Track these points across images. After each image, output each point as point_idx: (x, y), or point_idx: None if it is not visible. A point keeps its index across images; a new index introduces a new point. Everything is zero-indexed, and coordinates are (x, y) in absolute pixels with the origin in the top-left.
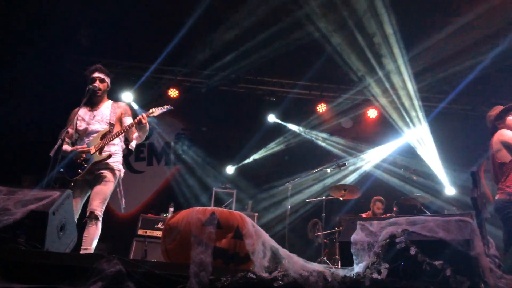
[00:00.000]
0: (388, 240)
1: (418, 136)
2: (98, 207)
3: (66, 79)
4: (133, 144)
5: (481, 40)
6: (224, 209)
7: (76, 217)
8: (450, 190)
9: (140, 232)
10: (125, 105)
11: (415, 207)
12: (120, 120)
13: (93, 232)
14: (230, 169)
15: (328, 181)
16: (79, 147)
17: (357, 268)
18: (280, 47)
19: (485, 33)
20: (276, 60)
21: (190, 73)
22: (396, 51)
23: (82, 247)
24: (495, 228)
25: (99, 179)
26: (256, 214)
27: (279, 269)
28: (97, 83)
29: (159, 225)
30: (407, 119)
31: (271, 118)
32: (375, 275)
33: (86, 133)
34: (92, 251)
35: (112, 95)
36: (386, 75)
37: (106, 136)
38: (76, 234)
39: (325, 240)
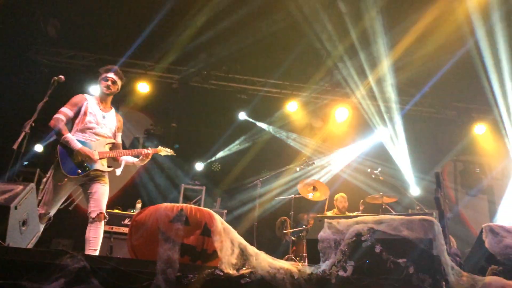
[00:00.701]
0: (354, 238)
1: (388, 136)
2: (104, 209)
3: (32, 70)
4: (119, 172)
5: (444, 45)
6: (193, 205)
7: (54, 211)
8: (415, 190)
9: (106, 228)
10: (122, 121)
11: (381, 206)
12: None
13: (101, 233)
14: (199, 166)
15: (298, 179)
16: (88, 152)
17: (324, 265)
18: (252, 45)
19: (448, 38)
20: (248, 57)
21: (161, 68)
22: (375, 46)
23: (91, 248)
24: (456, 227)
25: (98, 181)
26: (225, 211)
27: (246, 266)
28: (108, 83)
29: (126, 221)
30: (379, 118)
31: (242, 115)
32: (341, 273)
33: (91, 131)
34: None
35: (80, 88)
36: (363, 71)
37: (110, 148)
38: (39, 229)
39: (293, 238)
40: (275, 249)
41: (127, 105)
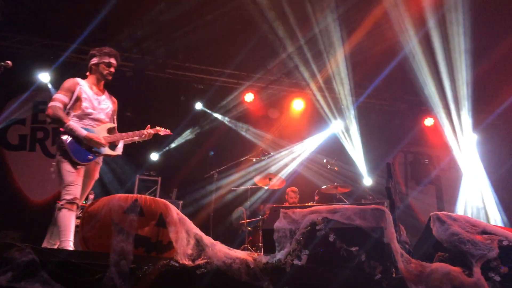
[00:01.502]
0: (309, 228)
1: (342, 128)
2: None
3: None
4: (121, 150)
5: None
6: (148, 196)
7: (83, 200)
8: (367, 181)
9: None
10: (116, 102)
11: (335, 196)
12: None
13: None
14: (154, 156)
15: (254, 170)
16: (95, 137)
17: (279, 254)
18: (209, 34)
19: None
20: (205, 47)
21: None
22: (334, 40)
23: (69, 239)
24: (406, 216)
25: (94, 173)
26: (181, 202)
27: (202, 257)
28: (111, 70)
29: (78, 213)
30: (333, 111)
31: (198, 105)
32: (295, 261)
33: (89, 117)
34: None
35: (28, 74)
36: (318, 64)
37: (112, 132)
38: None
39: (249, 228)
40: (232, 239)
41: None
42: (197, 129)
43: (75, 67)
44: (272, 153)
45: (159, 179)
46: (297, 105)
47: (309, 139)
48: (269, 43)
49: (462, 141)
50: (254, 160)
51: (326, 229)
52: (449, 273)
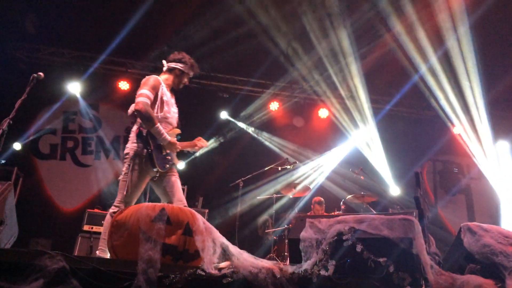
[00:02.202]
0: (335, 238)
1: (367, 137)
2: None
3: (11, 65)
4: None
5: (424, 45)
6: (174, 205)
7: (167, 200)
8: (395, 190)
9: (86, 228)
10: None
11: (362, 206)
12: None
13: None
14: (180, 165)
15: (279, 179)
16: (178, 144)
17: (305, 265)
18: (234, 43)
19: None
20: (231, 56)
21: (142, 66)
22: (349, 50)
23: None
24: (435, 227)
25: (173, 173)
26: (207, 210)
27: (228, 266)
28: (185, 84)
29: None
30: (356, 120)
31: (223, 115)
32: (322, 272)
33: (166, 120)
34: None
35: (59, 85)
36: (337, 75)
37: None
38: (17, 229)
39: (274, 237)
40: (257, 248)
41: (108, 102)
42: (221, 138)
43: (104, 78)
44: (297, 162)
45: (185, 187)
46: (322, 114)
47: (334, 149)
48: (293, 54)
49: (492, 149)
50: (280, 169)
51: (353, 239)
52: (480, 286)
